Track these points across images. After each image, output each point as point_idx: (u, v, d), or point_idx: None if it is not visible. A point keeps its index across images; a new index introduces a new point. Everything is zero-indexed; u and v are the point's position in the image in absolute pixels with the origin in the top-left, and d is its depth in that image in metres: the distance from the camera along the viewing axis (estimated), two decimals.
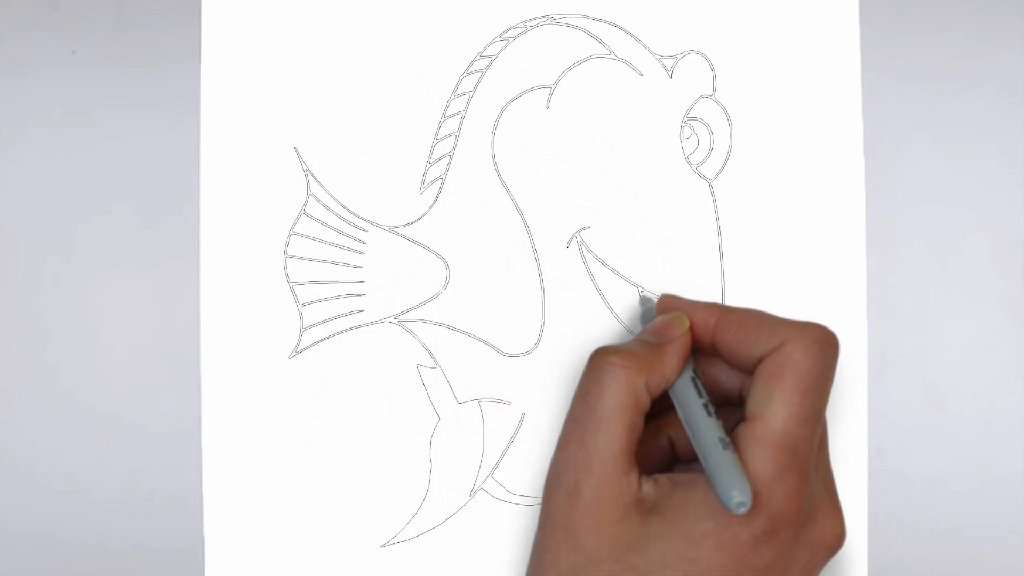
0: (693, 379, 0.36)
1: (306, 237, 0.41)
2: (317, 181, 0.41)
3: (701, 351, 0.37)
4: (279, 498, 0.41)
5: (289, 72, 0.42)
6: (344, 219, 0.41)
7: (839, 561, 0.41)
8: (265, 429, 0.41)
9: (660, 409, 0.37)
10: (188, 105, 0.41)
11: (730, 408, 0.37)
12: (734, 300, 0.41)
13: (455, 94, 0.41)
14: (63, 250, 0.42)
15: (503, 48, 0.42)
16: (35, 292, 0.42)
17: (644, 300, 0.40)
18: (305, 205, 0.41)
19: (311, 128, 0.41)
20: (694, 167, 0.41)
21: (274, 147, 0.41)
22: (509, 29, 0.42)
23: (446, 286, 0.41)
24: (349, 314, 0.41)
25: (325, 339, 0.41)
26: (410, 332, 0.41)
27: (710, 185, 0.41)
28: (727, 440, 0.34)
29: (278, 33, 0.42)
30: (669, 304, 0.38)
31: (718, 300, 0.41)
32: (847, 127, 0.41)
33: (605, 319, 0.41)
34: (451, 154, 0.41)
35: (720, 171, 0.41)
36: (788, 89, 0.41)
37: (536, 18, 0.42)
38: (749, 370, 0.36)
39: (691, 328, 0.37)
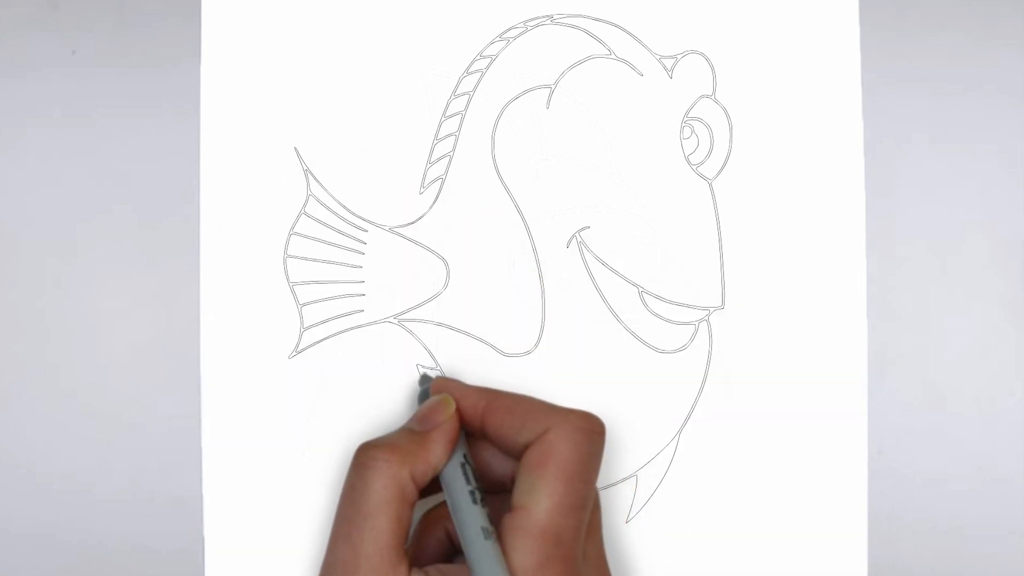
0: (463, 465, 0.36)
1: (306, 237, 0.41)
2: (317, 181, 0.41)
3: (474, 435, 0.37)
4: (279, 498, 0.41)
5: (289, 72, 0.42)
6: (344, 219, 0.41)
7: (839, 561, 0.41)
8: (265, 429, 0.41)
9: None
10: (188, 105, 0.41)
11: (504, 495, 0.36)
12: (734, 300, 0.41)
13: (455, 94, 0.41)
14: (63, 250, 0.42)
15: (503, 48, 0.42)
16: (35, 292, 0.42)
17: (423, 379, 0.40)
18: (305, 205, 0.41)
19: (311, 128, 0.41)
20: (694, 167, 0.41)
21: (274, 147, 0.41)
22: (509, 29, 0.42)
23: (446, 286, 0.41)
24: (349, 314, 0.41)
25: (325, 339, 0.41)
26: (410, 332, 0.41)
27: (710, 185, 0.41)
28: (490, 529, 0.34)
29: (278, 33, 0.42)
30: (440, 386, 0.38)
31: (717, 300, 0.41)
32: (847, 127, 0.41)
33: (605, 319, 0.41)
34: (451, 154, 0.41)
35: (720, 171, 0.41)
36: (788, 89, 0.41)
37: (536, 18, 0.42)
38: (518, 457, 0.35)
39: (461, 413, 0.37)
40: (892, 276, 0.41)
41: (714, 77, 0.42)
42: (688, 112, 0.41)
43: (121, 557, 0.41)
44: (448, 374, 0.41)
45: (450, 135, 0.41)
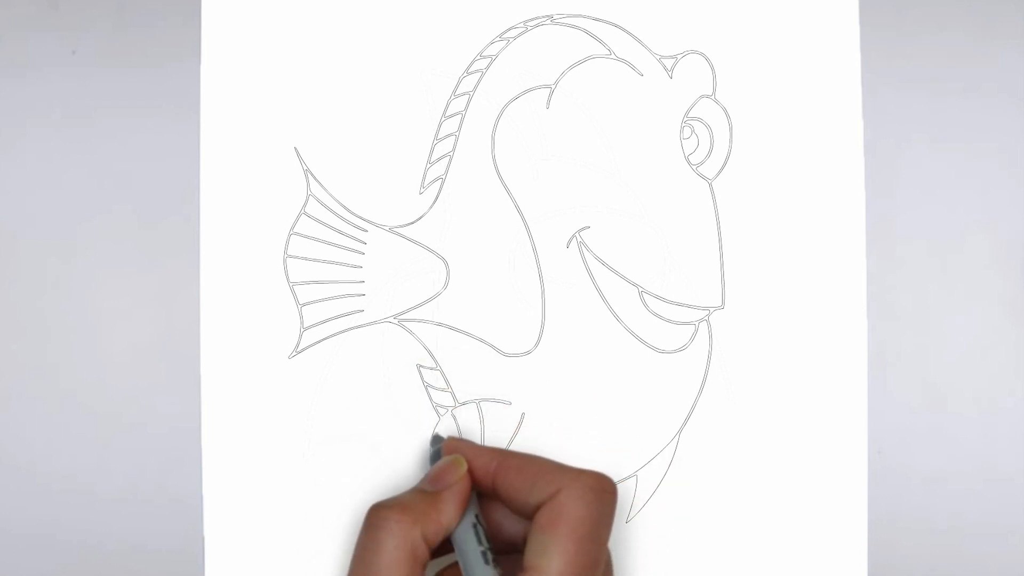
0: (475, 525, 0.36)
1: (306, 237, 0.41)
2: (317, 181, 0.41)
3: (486, 496, 0.37)
4: (279, 498, 0.41)
5: (289, 72, 0.42)
6: (344, 219, 0.41)
7: (839, 561, 0.41)
8: (265, 429, 0.41)
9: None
10: (188, 105, 0.41)
11: (516, 556, 0.36)
12: (734, 300, 0.41)
13: (455, 94, 0.41)
14: (63, 250, 0.42)
15: (503, 48, 0.42)
16: (35, 292, 0.42)
17: (435, 440, 0.40)
18: (305, 205, 0.41)
19: (311, 128, 0.41)
20: (694, 167, 0.41)
21: (274, 147, 0.41)
22: (509, 29, 0.42)
23: (446, 286, 0.41)
24: (349, 314, 0.41)
25: (325, 339, 0.41)
26: (410, 332, 0.41)
27: (710, 185, 0.41)
28: None
29: (278, 33, 0.42)
30: (452, 447, 0.38)
31: (717, 300, 0.41)
32: (847, 127, 0.41)
33: (605, 319, 0.41)
34: (451, 154, 0.41)
35: (720, 171, 0.41)
36: (788, 89, 0.41)
37: (536, 18, 0.42)
38: (529, 517, 0.35)
39: (473, 473, 0.37)
40: (892, 276, 0.41)
41: (714, 77, 0.42)
42: (688, 112, 0.41)
43: (121, 557, 0.41)
44: (448, 374, 0.41)
45: (450, 135, 0.41)
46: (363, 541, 0.35)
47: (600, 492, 0.35)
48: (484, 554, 0.35)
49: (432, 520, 0.35)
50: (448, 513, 0.36)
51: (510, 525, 0.37)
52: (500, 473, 0.36)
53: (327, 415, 0.41)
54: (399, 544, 0.34)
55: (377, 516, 0.35)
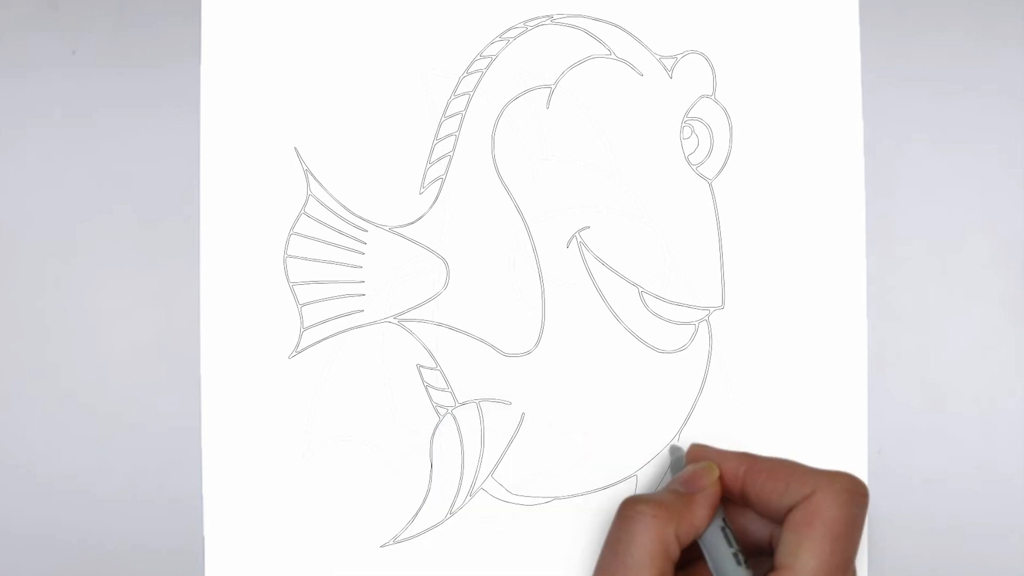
0: (723, 528, 0.36)
1: (306, 237, 0.41)
2: (317, 181, 0.41)
3: (730, 500, 0.38)
4: (279, 498, 0.41)
5: (289, 72, 0.42)
6: (344, 219, 0.41)
7: None
8: (265, 429, 0.41)
9: (690, 558, 0.37)
10: (188, 105, 0.41)
11: (760, 558, 0.37)
12: (734, 300, 0.41)
13: (455, 94, 0.41)
14: (63, 250, 0.42)
15: (503, 48, 0.42)
16: (35, 292, 0.42)
17: (674, 449, 0.40)
18: (305, 205, 0.41)
19: (311, 128, 0.41)
20: (694, 167, 0.41)
21: (274, 147, 0.41)
22: (509, 29, 0.42)
23: (446, 286, 0.41)
24: (349, 314, 0.41)
25: (325, 339, 0.41)
26: (410, 332, 0.41)
27: (710, 185, 0.41)
28: None
29: (278, 33, 0.42)
30: (699, 453, 0.39)
31: (717, 300, 0.41)
32: (847, 127, 0.41)
33: (605, 319, 0.41)
34: (451, 154, 0.41)
35: (720, 171, 0.41)
36: (788, 89, 0.41)
37: (536, 18, 0.42)
38: (779, 519, 0.36)
39: (720, 477, 0.37)
40: (892, 276, 0.41)
41: (714, 77, 0.42)
42: (688, 112, 0.41)
43: (121, 557, 0.41)
44: (448, 374, 0.41)
45: (450, 135, 0.41)
46: (616, 532, 0.36)
47: (854, 494, 0.35)
48: (736, 555, 0.36)
49: (686, 520, 0.36)
50: (700, 515, 0.36)
51: (755, 529, 0.38)
52: (750, 476, 0.37)
53: (327, 415, 0.41)
54: (654, 538, 0.35)
55: (632, 509, 0.36)
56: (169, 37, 0.42)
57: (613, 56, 0.42)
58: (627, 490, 0.41)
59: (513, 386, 0.41)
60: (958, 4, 0.42)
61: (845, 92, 0.41)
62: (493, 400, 0.41)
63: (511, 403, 0.41)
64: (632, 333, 0.41)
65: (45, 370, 0.42)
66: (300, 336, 0.41)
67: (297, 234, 0.41)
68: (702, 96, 0.41)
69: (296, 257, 0.41)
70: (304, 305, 0.41)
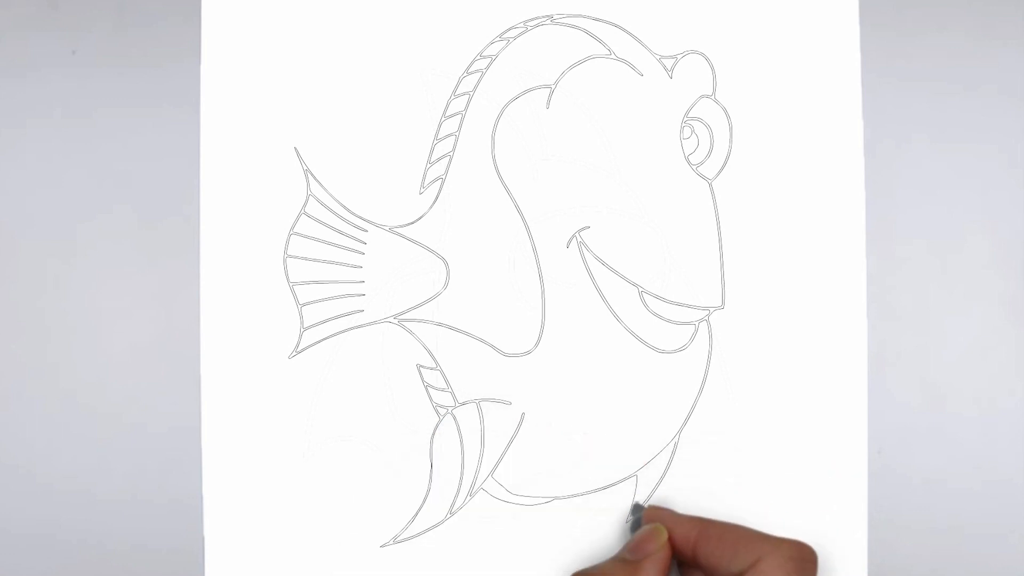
0: None
1: (306, 237, 0.41)
2: (317, 181, 0.41)
3: (686, 564, 0.38)
4: (279, 498, 0.41)
5: (289, 72, 0.42)
6: (344, 219, 0.41)
7: (839, 560, 0.41)
8: (265, 429, 0.41)
9: None
10: (188, 105, 0.42)
11: None
12: (734, 300, 0.41)
13: (455, 94, 0.41)
14: (63, 250, 0.42)
15: (503, 48, 0.42)
16: (35, 292, 0.42)
17: (635, 508, 0.40)
18: (305, 205, 0.41)
19: (311, 128, 0.41)
20: (694, 167, 0.41)
21: (274, 147, 0.41)
22: (509, 29, 0.42)
23: (446, 286, 0.41)
24: (349, 314, 0.41)
25: (325, 339, 0.41)
26: (410, 332, 0.41)
27: (710, 185, 0.41)
28: None
29: (278, 33, 0.42)
30: (653, 515, 0.39)
31: (717, 300, 0.41)
32: (847, 127, 0.41)
33: (605, 319, 0.41)
34: (451, 154, 0.41)
35: (720, 171, 0.41)
36: (788, 89, 0.41)
37: (536, 18, 0.42)
38: None
39: (673, 541, 0.38)
40: (892, 276, 0.41)
41: (714, 77, 0.42)
42: (688, 112, 0.41)
43: (121, 557, 0.41)
44: (448, 374, 0.41)
45: (450, 135, 0.41)
46: None
47: (800, 561, 0.36)
48: None
49: None
50: None
51: None
52: (701, 542, 0.37)
53: (327, 415, 0.41)
54: None
55: None
56: (169, 37, 0.42)
57: (613, 56, 0.42)
58: (627, 490, 0.41)
59: (513, 386, 0.41)
60: (958, 4, 0.42)
61: (845, 92, 0.41)
62: (493, 400, 0.41)
63: (511, 403, 0.41)
64: (632, 333, 0.41)
65: (45, 370, 0.42)
66: (300, 336, 0.41)
67: (297, 234, 0.41)
68: (702, 96, 0.42)
69: (296, 257, 0.41)
70: (304, 305, 0.41)
